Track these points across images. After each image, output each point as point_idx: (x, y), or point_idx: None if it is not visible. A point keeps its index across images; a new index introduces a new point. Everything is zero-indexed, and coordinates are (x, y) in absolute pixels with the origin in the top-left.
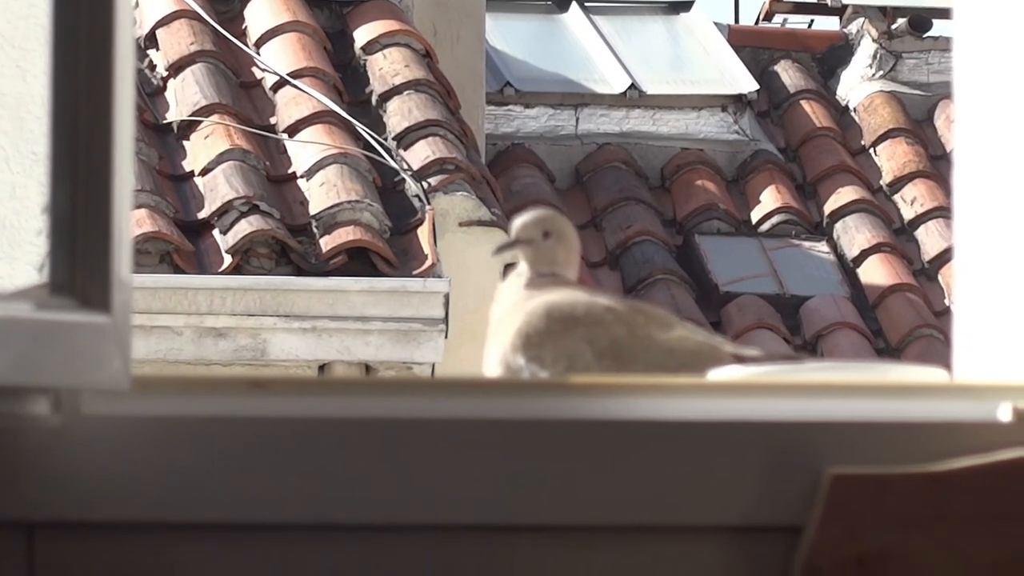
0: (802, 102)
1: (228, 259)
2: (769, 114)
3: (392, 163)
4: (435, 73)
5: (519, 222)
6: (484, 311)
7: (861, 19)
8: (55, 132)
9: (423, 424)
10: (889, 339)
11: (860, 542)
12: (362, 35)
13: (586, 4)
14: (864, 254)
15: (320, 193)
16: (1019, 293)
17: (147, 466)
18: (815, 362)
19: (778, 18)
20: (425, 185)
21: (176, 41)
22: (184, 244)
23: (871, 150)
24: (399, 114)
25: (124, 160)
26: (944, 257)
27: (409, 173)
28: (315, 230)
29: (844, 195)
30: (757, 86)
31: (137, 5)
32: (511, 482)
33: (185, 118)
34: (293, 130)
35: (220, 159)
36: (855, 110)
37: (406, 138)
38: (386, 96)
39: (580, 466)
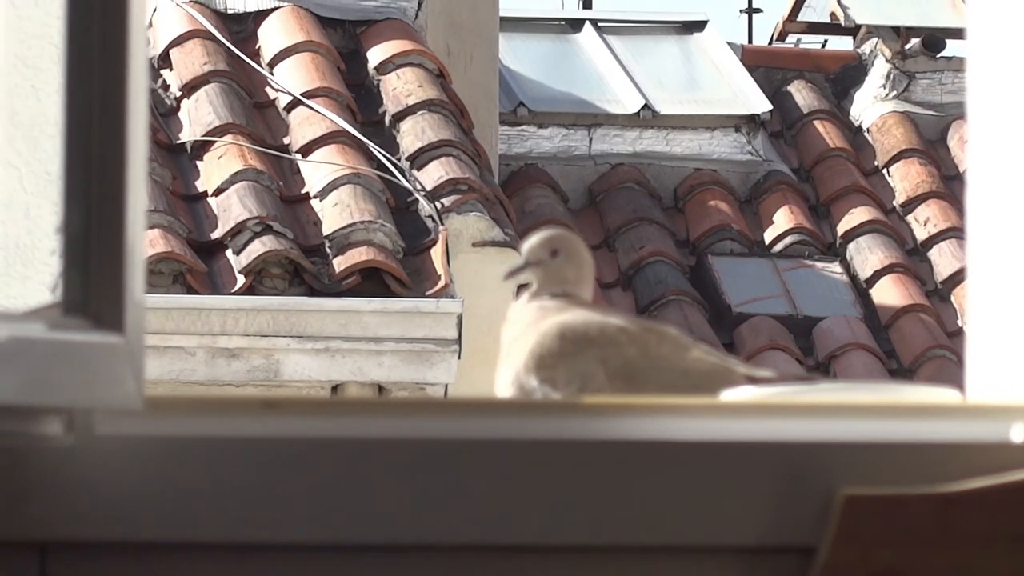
0: (815, 122)
1: (241, 279)
2: (782, 134)
3: (405, 183)
4: (448, 93)
5: (527, 244)
6: (497, 332)
7: (874, 39)
8: (69, 152)
9: (435, 444)
10: (902, 360)
11: (873, 563)
12: (375, 55)
13: (599, 24)
14: (877, 275)
15: (333, 213)
16: None
17: (160, 486)
18: (828, 383)
19: (791, 38)
20: (438, 205)
21: (190, 61)
22: (197, 264)
23: (884, 170)
24: (412, 134)
25: (137, 180)
26: (957, 278)
27: (422, 193)
28: (328, 250)
29: (857, 215)
30: (770, 106)
31: (151, 25)
32: (524, 502)
33: (198, 138)
34: (306, 150)
35: (233, 179)
36: (868, 130)
37: (419, 158)
38: (399, 116)
39: (592, 486)
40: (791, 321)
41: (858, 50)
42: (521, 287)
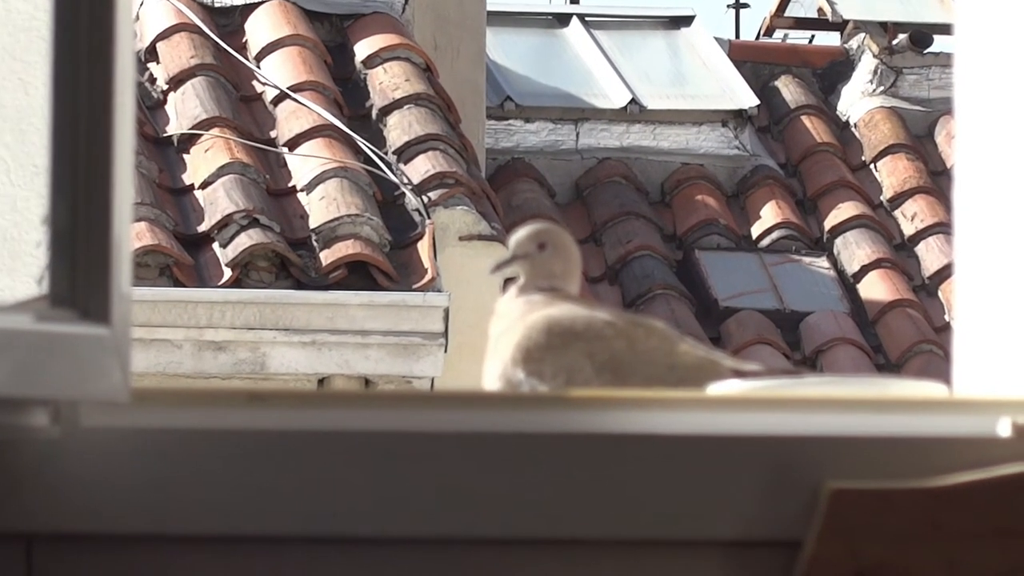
0: (802, 117)
1: (228, 272)
2: (769, 129)
3: (392, 177)
4: (435, 87)
5: (515, 238)
6: (484, 325)
7: (862, 35)
8: (55, 145)
9: (421, 437)
10: (889, 355)
11: (859, 557)
12: (362, 49)
13: (587, 19)
14: (864, 270)
15: (320, 207)
16: (1019, 309)
17: (146, 478)
18: (814, 377)
19: (779, 33)
20: (425, 199)
21: (176, 54)
22: (184, 257)
23: (871, 166)
24: (399, 128)
25: (124, 173)
26: (944, 273)
27: (409, 187)
28: (315, 244)
29: (844, 211)
30: (758, 101)
31: (138, 18)
32: (509, 495)
33: (185, 131)
34: (293, 144)
35: (220, 172)
36: (855, 126)
37: (406, 152)
38: (386, 110)
39: (578, 480)
40: (778, 316)
41: (845, 45)
42: (508, 281)
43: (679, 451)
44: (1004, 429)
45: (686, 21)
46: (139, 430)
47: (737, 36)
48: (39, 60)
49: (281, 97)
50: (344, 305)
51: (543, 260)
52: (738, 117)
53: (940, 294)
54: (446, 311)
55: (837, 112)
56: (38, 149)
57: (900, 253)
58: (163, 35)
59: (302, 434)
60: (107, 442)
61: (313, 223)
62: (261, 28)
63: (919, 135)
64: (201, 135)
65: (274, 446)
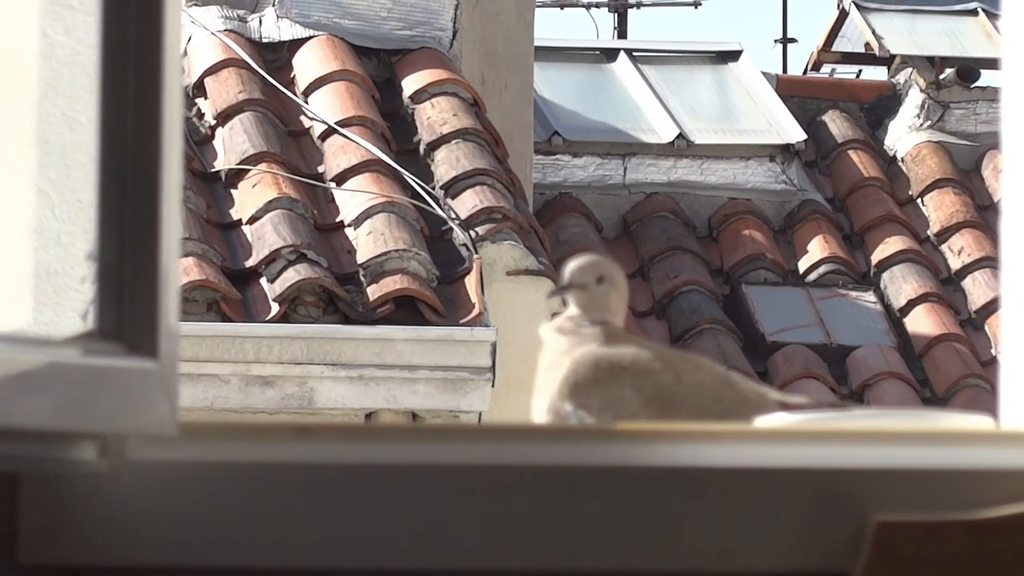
0: (850, 152)
1: (275, 307)
2: (817, 164)
3: (440, 212)
4: (483, 122)
5: (573, 266)
6: (531, 360)
7: (909, 69)
8: (103, 179)
9: (469, 471)
10: (936, 389)
11: None
12: (410, 84)
13: (634, 53)
14: (911, 304)
15: (368, 242)
16: None
17: (193, 512)
18: (861, 410)
19: (826, 68)
20: (473, 234)
21: (224, 90)
22: (231, 292)
23: (918, 200)
24: (447, 163)
25: (172, 208)
26: (991, 307)
27: (457, 222)
28: (362, 279)
29: (891, 245)
30: (805, 136)
31: (185, 54)
32: (557, 528)
33: (233, 166)
34: (341, 179)
35: (268, 207)
36: (903, 160)
37: (454, 187)
38: (434, 145)
39: (626, 512)
40: (825, 350)
41: (892, 80)
42: (555, 315)
43: (726, 484)
44: None
45: (733, 56)
46: (187, 464)
47: (784, 71)
48: (84, 95)
49: (329, 132)
50: (391, 340)
51: (600, 293)
52: (785, 152)
53: (987, 328)
54: (493, 345)
55: (884, 146)
56: (83, 184)
57: (947, 287)
58: (211, 70)
59: (350, 468)
60: (155, 476)
61: (361, 258)
62: (309, 63)
63: (966, 169)
64: (249, 170)
65: (322, 480)
